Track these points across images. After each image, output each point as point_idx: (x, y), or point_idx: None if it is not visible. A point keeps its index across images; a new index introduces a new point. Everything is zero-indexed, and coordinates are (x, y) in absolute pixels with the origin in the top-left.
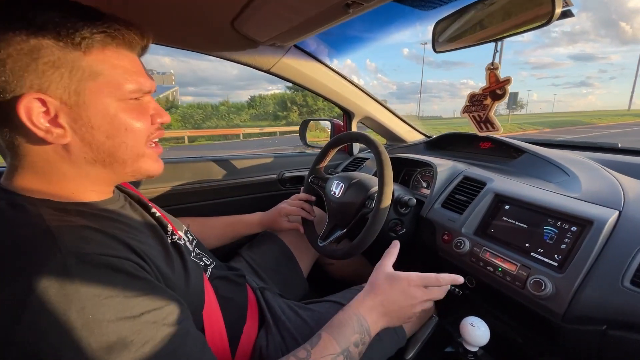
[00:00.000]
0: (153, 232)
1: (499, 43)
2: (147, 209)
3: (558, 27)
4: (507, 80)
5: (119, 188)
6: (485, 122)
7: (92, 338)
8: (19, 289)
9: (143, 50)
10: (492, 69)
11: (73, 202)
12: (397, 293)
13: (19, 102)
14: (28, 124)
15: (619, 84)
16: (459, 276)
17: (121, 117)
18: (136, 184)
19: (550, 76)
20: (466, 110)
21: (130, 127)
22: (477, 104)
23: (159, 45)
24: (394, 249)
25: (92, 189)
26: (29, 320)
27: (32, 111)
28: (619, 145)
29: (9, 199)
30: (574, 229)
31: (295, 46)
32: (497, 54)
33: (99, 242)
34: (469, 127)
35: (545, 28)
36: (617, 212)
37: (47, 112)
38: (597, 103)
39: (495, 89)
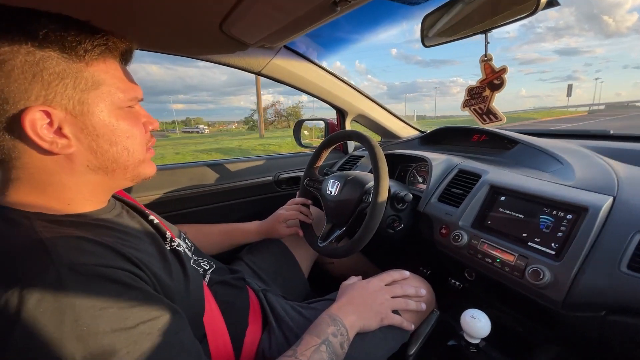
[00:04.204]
0: (151, 239)
1: (488, 35)
2: (145, 217)
3: (542, 23)
4: (503, 70)
5: (114, 197)
6: (487, 113)
7: (87, 351)
8: (12, 302)
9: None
10: (486, 61)
11: (68, 214)
12: (360, 291)
13: (24, 115)
14: (33, 136)
15: (604, 77)
16: (405, 271)
17: (121, 125)
18: (130, 190)
19: (537, 71)
20: (466, 104)
21: (130, 133)
22: (476, 96)
23: (148, 51)
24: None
25: (90, 198)
26: (21, 332)
27: (36, 123)
28: (611, 132)
29: (1, 214)
30: (569, 216)
31: (285, 47)
32: (488, 45)
33: (93, 253)
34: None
35: (529, 25)
36: (612, 198)
37: (50, 124)
38: (584, 96)
39: (492, 79)
